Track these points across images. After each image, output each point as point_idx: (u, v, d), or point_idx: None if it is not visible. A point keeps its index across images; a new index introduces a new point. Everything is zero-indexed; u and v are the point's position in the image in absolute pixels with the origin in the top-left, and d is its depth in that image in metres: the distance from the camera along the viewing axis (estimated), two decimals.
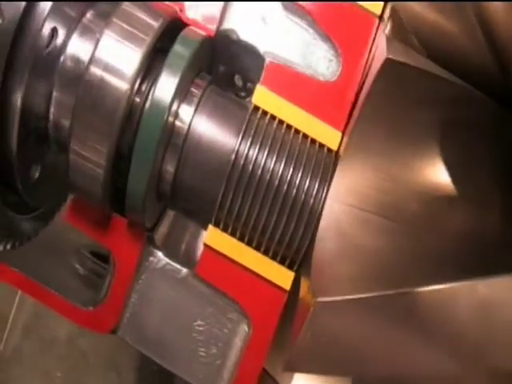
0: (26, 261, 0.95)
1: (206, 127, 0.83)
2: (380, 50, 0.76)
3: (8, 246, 0.85)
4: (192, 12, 0.89)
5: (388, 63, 0.72)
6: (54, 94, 0.80)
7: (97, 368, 1.62)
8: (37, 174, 0.86)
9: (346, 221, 0.76)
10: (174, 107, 0.80)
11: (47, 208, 0.94)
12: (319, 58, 0.90)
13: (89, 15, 0.82)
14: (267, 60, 0.91)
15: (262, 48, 0.92)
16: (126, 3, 0.82)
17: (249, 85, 1.00)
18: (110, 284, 0.88)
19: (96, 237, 0.88)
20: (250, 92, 0.99)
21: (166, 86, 0.79)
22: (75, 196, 0.88)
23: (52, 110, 0.80)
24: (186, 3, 0.89)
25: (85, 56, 0.79)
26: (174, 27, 0.85)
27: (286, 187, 0.81)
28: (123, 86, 0.76)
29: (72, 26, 0.80)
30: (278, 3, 0.93)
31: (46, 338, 1.64)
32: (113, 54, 0.77)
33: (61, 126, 0.81)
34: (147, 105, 0.78)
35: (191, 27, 0.87)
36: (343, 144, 0.83)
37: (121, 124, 0.77)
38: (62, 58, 0.79)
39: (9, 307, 1.65)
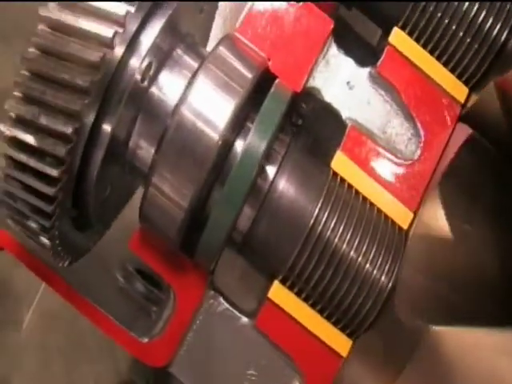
0: (73, 275, 0.96)
1: (286, 187, 0.86)
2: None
3: (73, 261, 0.86)
4: (280, 63, 0.90)
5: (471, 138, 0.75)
6: (138, 124, 0.81)
7: (94, 351, 1.63)
8: (107, 194, 0.88)
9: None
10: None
11: (101, 225, 0.96)
12: (399, 135, 0.94)
13: (179, 50, 0.84)
14: (349, 126, 0.93)
15: (344, 113, 0.95)
16: (221, 48, 0.84)
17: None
18: (168, 319, 0.90)
19: (159, 270, 0.90)
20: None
21: (256, 143, 0.81)
22: (143, 226, 0.89)
23: (133, 137, 0.82)
24: (274, 54, 0.90)
25: (174, 93, 0.81)
26: (264, 77, 0.87)
27: (359, 260, 0.85)
28: (215, 136, 0.78)
29: (163, 59, 0.81)
30: (366, 71, 0.95)
31: (47, 314, 1.65)
32: (207, 102, 0.79)
33: (139, 154, 0.83)
34: (237, 160, 0.80)
35: (280, 81, 0.88)
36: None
37: (209, 172, 0.79)
38: (150, 90, 0.80)
39: (13, 280, 1.65)
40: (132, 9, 0.71)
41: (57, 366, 1.60)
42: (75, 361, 1.62)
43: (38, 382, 1.59)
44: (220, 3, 1.01)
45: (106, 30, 0.70)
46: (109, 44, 0.69)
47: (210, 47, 0.93)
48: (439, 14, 0.94)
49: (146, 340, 0.92)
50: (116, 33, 0.70)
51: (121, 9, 0.71)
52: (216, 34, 1.01)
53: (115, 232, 0.97)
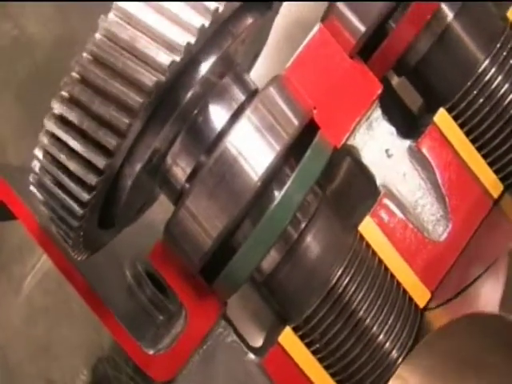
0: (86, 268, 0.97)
1: (314, 241, 0.88)
2: (491, 295, 0.79)
3: (89, 256, 0.87)
4: (324, 114, 0.91)
5: (496, 318, 0.75)
6: (178, 142, 0.82)
7: (77, 317, 1.63)
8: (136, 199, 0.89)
9: None
10: None
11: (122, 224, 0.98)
12: (428, 213, 0.96)
13: (228, 78, 0.84)
14: (382, 193, 0.95)
15: (379, 179, 0.97)
16: (271, 89, 0.84)
17: None
18: (177, 337, 0.90)
19: (175, 288, 0.89)
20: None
21: (294, 193, 0.82)
22: (165, 241, 0.88)
23: (171, 154, 0.83)
24: (319, 104, 0.91)
25: (219, 122, 0.82)
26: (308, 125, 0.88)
27: (374, 329, 0.86)
28: (254, 177, 0.79)
29: (212, 86, 0.82)
30: (406, 143, 0.99)
31: (39, 269, 1.65)
32: (251, 141, 0.80)
33: (175, 171, 0.84)
34: (272, 204, 0.81)
35: (323, 133, 0.89)
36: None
37: (242, 210, 0.80)
38: (196, 114, 0.81)
39: (15, 236, 1.64)
40: (192, 39, 0.71)
41: (41, 326, 1.61)
42: (60, 324, 1.62)
43: (19, 337, 1.59)
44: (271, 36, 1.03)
45: (163, 57, 0.69)
46: (164, 71, 0.69)
47: (253, 76, 0.94)
48: (487, 109, 0.97)
49: (151, 352, 0.91)
50: (173, 62, 0.69)
51: (182, 38, 0.70)
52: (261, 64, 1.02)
53: (131, 229, 0.96)
